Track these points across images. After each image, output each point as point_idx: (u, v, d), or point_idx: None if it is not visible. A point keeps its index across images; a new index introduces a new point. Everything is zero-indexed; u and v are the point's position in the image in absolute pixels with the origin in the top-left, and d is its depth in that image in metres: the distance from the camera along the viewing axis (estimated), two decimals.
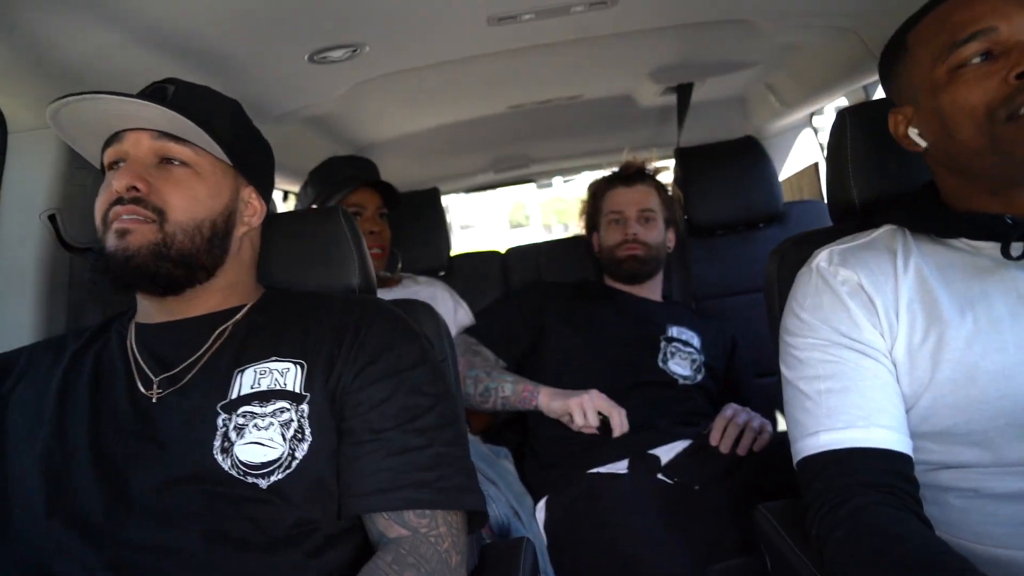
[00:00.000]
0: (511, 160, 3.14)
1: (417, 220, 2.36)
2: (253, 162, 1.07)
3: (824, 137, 2.62)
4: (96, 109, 0.93)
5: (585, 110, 2.46)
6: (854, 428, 0.90)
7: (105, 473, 0.88)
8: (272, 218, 1.27)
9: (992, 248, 0.92)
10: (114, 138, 0.97)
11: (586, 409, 1.58)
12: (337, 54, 1.42)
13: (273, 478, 0.87)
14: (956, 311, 0.91)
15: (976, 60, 0.88)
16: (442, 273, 2.37)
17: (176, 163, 0.97)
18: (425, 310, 1.22)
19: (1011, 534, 0.87)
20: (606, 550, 1.37)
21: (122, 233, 0.92)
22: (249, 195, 1.05)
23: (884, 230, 1.03)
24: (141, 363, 0.97)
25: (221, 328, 1.00)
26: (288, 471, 0.88)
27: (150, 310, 1.01)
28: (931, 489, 0.92)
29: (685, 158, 2.37)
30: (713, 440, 1.54)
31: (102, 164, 1.00)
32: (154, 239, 0.93)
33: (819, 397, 0.93)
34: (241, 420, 0.90)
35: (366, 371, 0.95)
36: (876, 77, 1.08)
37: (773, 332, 1.13)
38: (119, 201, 0.93)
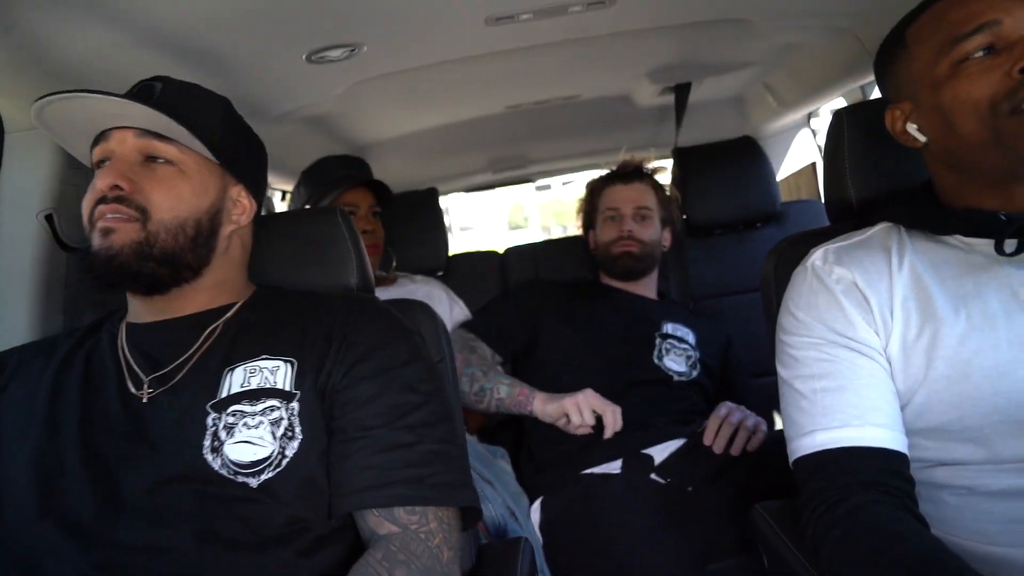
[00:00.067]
0: (509, 160, 3.14)
1: (415, 220, 2.36)
2: (242, 160, 1.06)
3: (821, 137, 2.62)
4: (81, 108, 0.93)
5: (583, 110, 2.46)
6: (849, 427, 0.90)
7: (96, 473, 0.88)
8: (270, 218, 1.27)
9: (986, 245, 0.92)
10: (101, 137, 0.97)
11: (582, 408, 1.59)
12: (335, 54, 1.42)
13: (263, 477, 0.87)
14: (950, 308, 0.91)
15: (979, 54, 0.87)
16: (440, 273, 2.37)
17: (161, 161, 0.96)
18: (423, 309, 1.22)
19: (1005, 531, 0.87)
20: (601, 550, 1.37)
21: (106, 232, 0.92)
22: (238, 193, 1.04)
23: (879, 228, 1.03)
24: (131, 363, 0.97)
25: (211, 327, 1.00)
26: (278, 469, 0.87)
27: (140, 310, 1.01)
28: (926, 486, 0.92)
29: (683, 158, 2.37)
30: (707, 440, 1.54)
31: (92, 162, 1.00)
32: (137, 238, 0.92)
33: (815, 396, 0.94)
34: (231, 419, 0.90)
35: (356, 369, 0.94)
36: (873, 77, 1.08)
37: (770, 331, 1.13)
38: (103, 200, 0.93)
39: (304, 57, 1.41)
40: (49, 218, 1.24)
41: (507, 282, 2.41)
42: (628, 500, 1.44)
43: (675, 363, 1.79)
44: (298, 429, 0.90)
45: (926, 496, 0.92)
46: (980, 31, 0.87)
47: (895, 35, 0.99)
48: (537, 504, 1.61)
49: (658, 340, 1.82)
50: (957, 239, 0.95)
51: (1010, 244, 0.90)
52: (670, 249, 2.06)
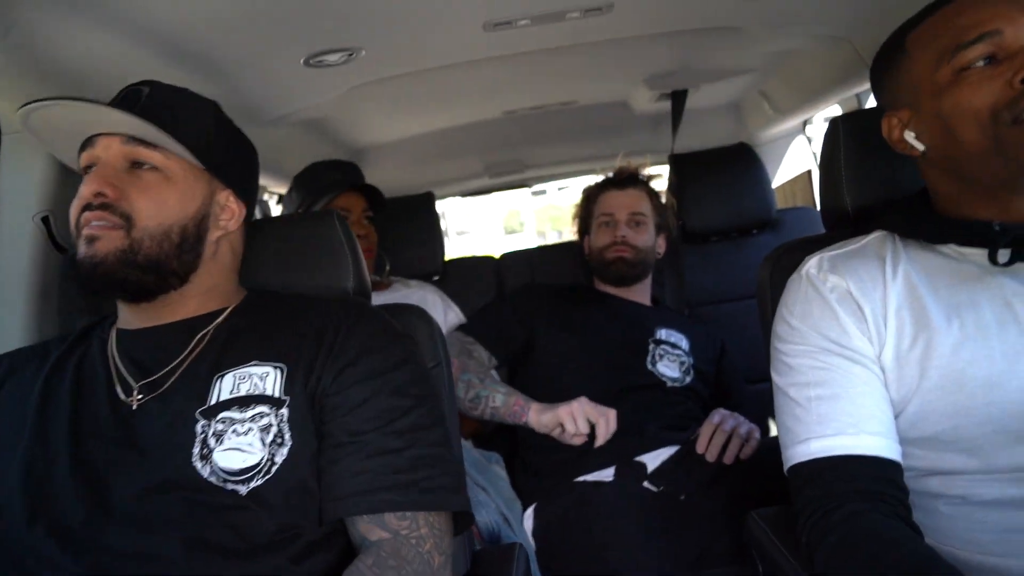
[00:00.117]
0: (506, 165, 3.14)
1: (412, 224, 2.36)
2: (231, 165, 1.05)
3: (816, 145, 2.63)
4: (66, 115, 0.93)
5: (580, 116, 2.46)
6: (844, 435, 0.90)
7: (86, 480, 0.87)
8: (266, 221, 1.27)
9: (980, 255, 0.93)
10: (88, 142, 0.97)
11: (576, 417, 1.58)
12: (333, 58, 1.42)
13: (252, 484, 0.86)
14: (943, 318, 0.91)
15: (980, 64, 0.88)
16: (436, 277, 2.37)
17: (147, 167, 0.96)
18: (419, 314, 1.21)
19: (998, 541, 0.87)
20: (594, 556, 1.37)
21: (90, 240, 0.92)
22: (226, 199, 1.03)
23: (874, 236, 1.03)
24: (121, 369, 0.96)
25: (201, 333, 0.99)
26: (267, 476, 0.87)
27: (129, 316, 1.00)
28: (919, 495, 0.92)
29: (679, 164, 2.38)
30: (700, 448, 1.54)
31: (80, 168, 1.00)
32: (121, 245, 0.92)
33: (809, 404, 0.94)
34: (220, 426, 0.89)
35: (346, 373, 0.94)
36: (869, 85, 1.08)
37: (766, 338, 1.13)
38: (88, 207, 0.92)
39: (302, 61, 1.41)
40: (45, 220, 1.24)
41: (503, 287, 2.41)
42: (622, 507, 1.44)
43: (668, 369, 1.79)
44: (288, 435, 0.90)
45: (920, 505, 0.92)
46: (982, 40, 0.87)
47: (895, 40, 0.99)
48: (530, 511, 1.61)
49: (651, 346, 1.82)
50: (951, 248, 0.96)
51: (1004, 254, 0.90)
52: (666, 255, 2.06)
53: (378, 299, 1.55)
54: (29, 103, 0.90)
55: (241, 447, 0.88)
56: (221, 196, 1.03)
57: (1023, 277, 0.90)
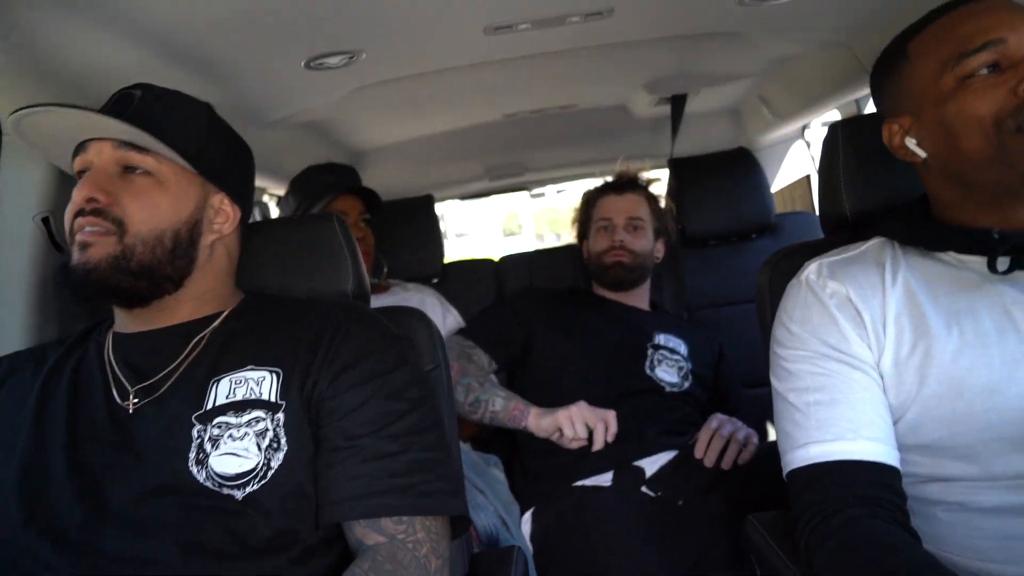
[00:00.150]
0: (505, 168, 3.15)
1: (411, 226, 2.36)
2: (225, 168, 1.04)
3: (815, 149, 2.63)
4: (56, 121, 0.92)
5: (579, 119, 2.47)
6: (843, 440, 0.90)
7: (82, 483, 0.87)
8: (265, 224, 1.27)
9: (979, 262, 0.93)
10: (80, 147, 0.96)
11: (575, 422, 1.58)
12: (334, 60, 1.42)
13: (248, 489, 0.86)
14: (943, 325, 0.91)
15: (983, 72, 0.88)
16: (435, 280, 2.37)
17: (139, 172, 0.95)
18: (419, 317, 1.21)
19: (997, 548, 0.87)
20: (592, 560, 1.37)
21: (83, 246, 0.91)
22: (220, 202, 1.02)
23: (874, 243, 1.04)
24: (118, 373, 0.96)
25: (197, 337, 0.99)
26: (263, 481, 0.87)
27: (125, 320, 1.00)
28: (918, 502, 0.92)
29: (678, 169, 2.38)
30: (698, 453, 1.54)
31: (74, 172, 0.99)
32: (113, 251, 0.91)
33: (808, 409, 0.94)
34: (216, 431, 0.89)
35: (342, 377, 0.94)
36: (868, 91, 1.08)
37: (765, 342, 1.13)
38: (81, 212, 0.92)
39: (303, 63, 1.41)
40: (46, 220, 1.24)
41: (502, 290, 2.41)
42: (620, 512, 1.44)
43: (667, 374, 1.79)
44: (284, 440, 0.89)
45: (919, 512, 0.92)
46: (986, 48, 0.87)
47: (896, 46, 0.99)
48: (529, 514, 1.61)
49: (650, 351, 1.82)
50: (951, 256, 0.96)
51: (1003, 262, 0.90)
52: (665, 259, 2.06)
53: (376, 302, 1.55)
54: (18, 110, 0.89)
55: (237, 452, 0.88)
56: (215, 199, 1.02)
57: (1022, 285, 0.91)
